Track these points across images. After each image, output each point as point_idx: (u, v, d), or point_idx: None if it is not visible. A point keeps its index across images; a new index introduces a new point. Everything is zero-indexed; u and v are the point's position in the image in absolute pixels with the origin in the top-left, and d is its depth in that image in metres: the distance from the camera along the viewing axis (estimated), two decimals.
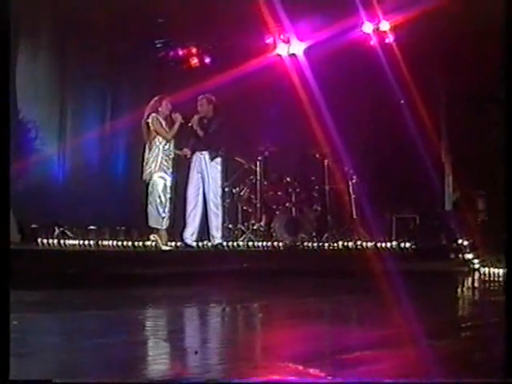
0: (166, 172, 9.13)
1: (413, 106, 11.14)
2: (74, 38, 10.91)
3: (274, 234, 10.51)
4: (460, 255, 10.47)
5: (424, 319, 5.09)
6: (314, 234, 10.75)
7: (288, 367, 3.44)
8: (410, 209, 11.75)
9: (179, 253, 9.26)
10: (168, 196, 9.19)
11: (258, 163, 10.69)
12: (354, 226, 10.99)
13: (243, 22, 10.74)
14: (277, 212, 10.71)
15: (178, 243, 9.53)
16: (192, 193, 9.59)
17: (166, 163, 9.13)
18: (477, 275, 9.82)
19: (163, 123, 9.19)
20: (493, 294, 7.87)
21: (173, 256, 9.06)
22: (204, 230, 9.68)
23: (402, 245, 10.69)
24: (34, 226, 9.87)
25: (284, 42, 11.69)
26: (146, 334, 4.75)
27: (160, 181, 9.09)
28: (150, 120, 9.12)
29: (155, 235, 9.14)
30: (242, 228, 10.64)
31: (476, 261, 10.17)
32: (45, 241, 9.41)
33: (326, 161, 11.19)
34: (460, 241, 10.55)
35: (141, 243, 9.25)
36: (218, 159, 9.56)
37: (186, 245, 9.46)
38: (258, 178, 10.69)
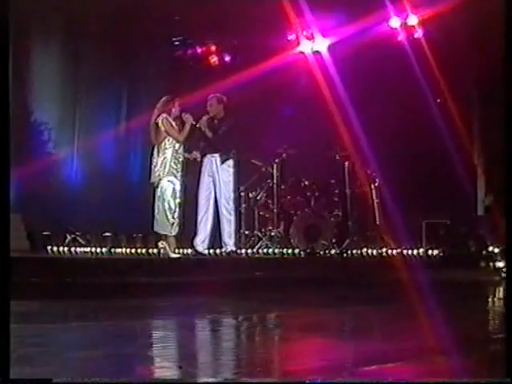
0: (175, 176, 8.74)
1: (443, 105, 10.89)
2: (88, 39, 10.78)
3: (292, 241, 10.01)
4: (491, 263, 9.97)
5: (450, 332, 4.71)
6: (334, 240, 10.24)
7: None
8: (441, 214, 11.22)
9: (188, 260, 8.90)
10: (177, 201, 8.82)
11: (275, 166, 10.17)
12: (376, 232, 10.47)
13: (264, 18, 10.55)
14: (295, 217, 10.18)
15: (189, 250, 9.20)
16: (203, 197, 9.28)
17: (175, 166, 8.74)
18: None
19: (173, 124, 8.81)
20: None
21: (182, 263, 8.67)
22: (216, 237, 9.34)
23: (430, 252, 10.24)
24: (45, 233, 9.70)
25: (307, 38, 11.46)
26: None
27: (169, 185, 8.72)
28: (159, 121, 8.73)
29: (163, 242, 8.79)
30: (259, 234, 10.19)
31: None
32: (55, 248, 9.27)
33: (346, 163, 10.64)
34: (491, 248, 10.11)
35: (150, 250, 9.05)
36: (230, 162, 9.21)
37: (197, 252, 9.14)
38: (275, 181, 10.17)
